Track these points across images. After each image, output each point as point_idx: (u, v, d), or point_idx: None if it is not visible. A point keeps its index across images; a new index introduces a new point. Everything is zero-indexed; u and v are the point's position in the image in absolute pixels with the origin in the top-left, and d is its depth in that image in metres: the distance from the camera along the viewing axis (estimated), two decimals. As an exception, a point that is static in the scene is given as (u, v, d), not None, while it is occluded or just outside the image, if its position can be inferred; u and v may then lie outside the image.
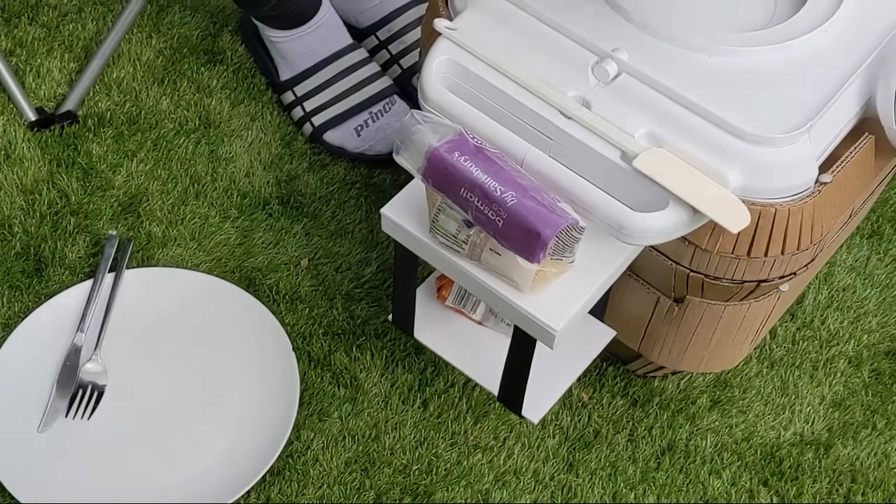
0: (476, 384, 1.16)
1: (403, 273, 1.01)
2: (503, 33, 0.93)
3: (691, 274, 0.95)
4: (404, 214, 0.94)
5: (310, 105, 1.31)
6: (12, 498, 1.05)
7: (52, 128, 1.30)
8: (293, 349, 1.14)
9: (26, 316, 1.15)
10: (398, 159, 0.87)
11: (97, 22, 1.39)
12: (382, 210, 0.94)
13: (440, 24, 0.93)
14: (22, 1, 1.40)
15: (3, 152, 1.28)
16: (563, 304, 0.89)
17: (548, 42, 0.92)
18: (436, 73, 0.92)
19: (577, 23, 0.92)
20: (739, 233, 0.87)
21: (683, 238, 0.89)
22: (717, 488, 1.12)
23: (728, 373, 1.19)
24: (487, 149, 0.85)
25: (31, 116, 1.30)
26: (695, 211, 0.85)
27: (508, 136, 0.90)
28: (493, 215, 0.83)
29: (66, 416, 1.10)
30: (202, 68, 1.36)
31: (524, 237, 0.82)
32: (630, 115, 0.89)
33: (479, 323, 1.08)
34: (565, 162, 0.89)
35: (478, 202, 0.83)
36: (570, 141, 0.88)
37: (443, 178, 0.84)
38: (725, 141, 0.86)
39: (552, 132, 0.89)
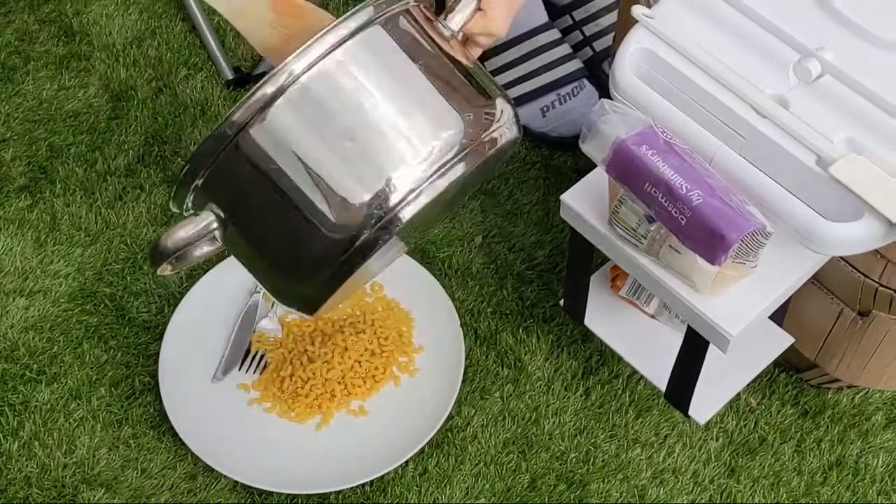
0: (641, 378, 1.14)
1: (578, 261, 1.00)
2: (702, 24, 0.90)
3: (880, 288, 0.91)
4: (584, 203, 0.92)
5: (498, 81, 1.30)
6: (183, 444, 1.09)
7: (248, 87, 1.33)
8: (460, 325, 1.15)
9: (210, 268, 1.19)
10: (584, 148, 0.86)
11: (297, -14, 1.42)
12: (562, 197, 0.93)
13: (638, 10, 0.91)
14: (228, -38, 1.44)
15: (199, 108, 1.33)
16: (740, 309, 0.87)
17: (748, 36, 0.89)
18: (629, 62, 0.90)
19: (782, 18, 0.88)
20: (938, 251, 0.83)
21: (876, 251, 0.85)
22: (886, 511, 1.08)
23: (909, 392, 1.14)
24: (677, 144, 0.83)
25: (229, 75, 1.34)
26: (891, 224, 0.81)
27: (699, 132, 0.87)
28: (676, 213, 0.81)
29: (240, 369, 1.14)
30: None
31: (707, 238, 0.80)
32: (830, 119, 0.85)
33: (652, 317, 1.06)
34: (756, 163, 0.86)
35: (661, 198, 0.81)
36: (764, 141, 0.85)
37: (628, 170, 0.83)
38: (931, 153, 0.82)
39: (745, 130, 0.86)
